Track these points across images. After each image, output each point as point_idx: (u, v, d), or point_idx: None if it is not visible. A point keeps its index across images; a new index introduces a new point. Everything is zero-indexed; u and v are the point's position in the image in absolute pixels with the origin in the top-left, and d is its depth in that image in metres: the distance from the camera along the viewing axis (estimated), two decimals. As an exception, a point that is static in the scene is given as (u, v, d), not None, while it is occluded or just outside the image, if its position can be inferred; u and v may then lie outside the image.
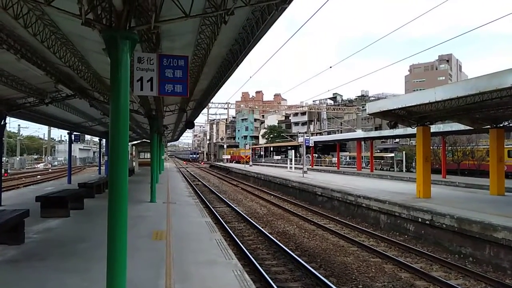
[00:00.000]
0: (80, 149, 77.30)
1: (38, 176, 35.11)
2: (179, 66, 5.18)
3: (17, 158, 54.21)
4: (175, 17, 4.75)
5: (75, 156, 65.58)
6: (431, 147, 20.26)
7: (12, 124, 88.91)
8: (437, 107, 12.59)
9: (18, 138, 64.70)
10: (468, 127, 17.45)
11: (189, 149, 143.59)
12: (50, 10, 5.22)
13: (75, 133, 24.69)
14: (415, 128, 14.31)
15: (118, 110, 4.02)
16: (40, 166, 57.03)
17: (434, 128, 18.93)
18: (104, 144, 32.09)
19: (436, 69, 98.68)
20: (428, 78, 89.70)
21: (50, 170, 48.53)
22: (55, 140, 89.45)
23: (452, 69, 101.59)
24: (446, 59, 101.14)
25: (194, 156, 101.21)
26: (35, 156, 76.40)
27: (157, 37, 6.79)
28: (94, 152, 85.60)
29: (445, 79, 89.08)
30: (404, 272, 7.98)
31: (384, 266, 8.39)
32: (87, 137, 61.79)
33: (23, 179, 31.74)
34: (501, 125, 15.31)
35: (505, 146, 17.66)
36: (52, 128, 56.44)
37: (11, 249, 6.71)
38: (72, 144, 24.53)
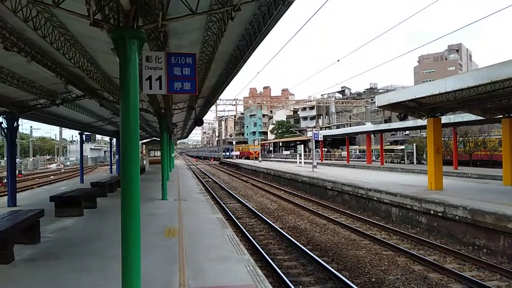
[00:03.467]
0: (91, 148, 78.23)
1: (51, 177, 35.66)
2: (187, 63, 5.18)
3: (30, 159, 55.08)
4: (182, 14, 4.75)
5: (87, 156, 66.36)
6: (442, 139, 19.99)
7: (24, 125, 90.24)
8: (448, 98, 12.44)
9: (30, 139, 65.64)
10: (479, 117, 17.20)
11: (213, 144, 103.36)
12: (59, 12, 5.26)
13: (86, 133, 24.98)
14: (426, 120, 14.16)
15: (128, 109, 4.05)
16: (53, 166, 57.90)
17: (444, 119, 18.70)
18: (114, 144, 32.44)
19: (446, 59, 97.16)
20: (438, 69, 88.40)
21: (62, 170, 49.24)
22: (66, 140, 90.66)
23: (462, 59, 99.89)
24: (456, 49, 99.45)
25: (228, 154, 68.15)
26: (48, 157, 77.59)
27: (165, 36, 6.81)
28: (105, 152, 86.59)
29: (455, 69, 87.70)
30: (417, 265, 7.94)
31: (396, 259, 8.36)
32: (98, 136, 62.49)
33: (37, 179, 32.27)
34: (513, 114, 15.05)
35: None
36: (63, 128, 57.20)
37: (27, 249, 6.84)
38: (84, 144, 24.82)
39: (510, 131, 14.88)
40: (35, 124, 71.32)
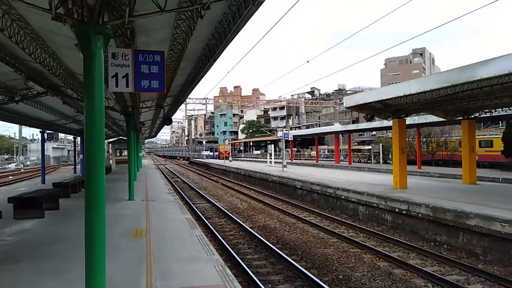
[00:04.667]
0: (53, 148, 75.15)
1: (10, 177, 33.92)
2: (155, 61, 5.08)
3: (-13, 159, 52.20)
4: (149, 11, 4.65)
5: (49, 155, 63.71)
6: (407, 139, 20.75)
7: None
8: (412, 100, 12.90)
9: (-13, 138, 62.28)
10: (441, 119, 17.97)
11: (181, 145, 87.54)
12: (18, 4, 5.02)
13: (48, 131, 23.97)
14: (391, 121, 14.62)
15: (93, 108, 3.92)
16: (12, 166, 55.14)
17: (409, 120, 19.41)
18: (79, 143, 31.32)
19: (410, 62, 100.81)
20: (403, 71, 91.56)
21: (22, 170, 46.99)
22: (27, 139, 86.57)
23: (426, 62, 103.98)
24: (420, 52, 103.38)
25: (211, 154, 62.07)
26: (6, 156, 73.78)
27: (132, 32, 6.64)
28: (68, 151, 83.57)
29: (419, 72, 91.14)
30: (383, 261, 8.18)
31: (363, 256, 8.58)
32: (61, 135, 60.09)
33: (-6, 180, 30.61)
34: (472, 116, 15.83)
35: (476, 137, 18.28)
36: (23, 126, 54.56)
37: (-17, 253, 6.47)
38: (45, 143, 23.79)
39: (469, 132, 15.62)
40: (-7, 122, 67.71)
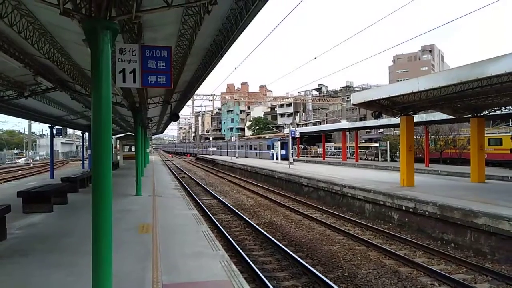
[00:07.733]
0: (62, 143, 75.93)
1: (19, 172, 34.34)
2: (162, 57, 5.08)
3: (-3, 153, 52.87)
4: (157, 6, 4.65)
5: (58, 151, 64.40)
6: (415, 137, 20.57)
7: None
8: (420, 97, 12.77)
9: (-3, 132, 63.03)
10: (450, 117, 17.80)
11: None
12: (27, -1, 5.05)
13: (56, 127, 24.21)
14: (399, 118, 14.50)
15: (100, 103, 3.93)
16: (21, 161, 55.78)
17: (417, 118, 19.26)
18: (87, 138, 31.61)
19: (419, 59, 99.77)
20: (412, 69, 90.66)
21: (31, 165, 47.51)
22: (36, 134, 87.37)
23: (435, 60, 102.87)
24: (429, 49, 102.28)
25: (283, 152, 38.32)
26: (16, 151, 74.61)
27: (139, 28, 6.65)
28: (77, 146, 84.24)
29: (428, 69, 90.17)
30: (389, 259, 8.15)
31: (369, 254, 8.54)
32: (70, 131, 60.67)
33: (4, 174, 30.98)
34: (481, 114, 15.64)
35: (485, 135, 18.06)
36: (32, 122, 55.13)
37: (-8, 246, 6.57)
38: (54, 138, 24.03)
39: (478, 130, 15.44)
40: (2, 117, 68.59)
